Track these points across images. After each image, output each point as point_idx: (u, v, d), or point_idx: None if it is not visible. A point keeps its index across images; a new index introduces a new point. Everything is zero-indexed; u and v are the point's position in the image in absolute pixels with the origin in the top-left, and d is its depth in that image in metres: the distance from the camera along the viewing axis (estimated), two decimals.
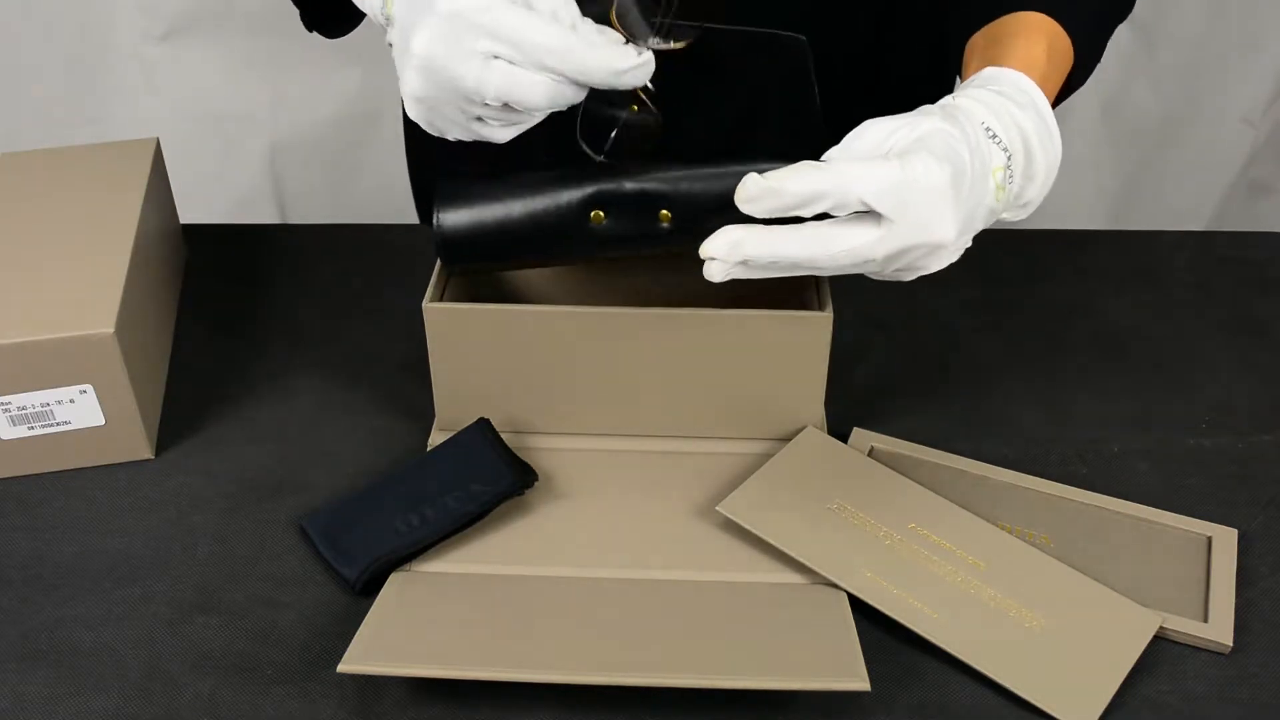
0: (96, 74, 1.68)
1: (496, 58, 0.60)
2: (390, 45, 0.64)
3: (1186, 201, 1.84)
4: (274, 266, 0.98)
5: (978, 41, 0.72)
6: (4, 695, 0.64)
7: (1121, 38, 1.69)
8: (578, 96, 0.63)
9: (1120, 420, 0.83)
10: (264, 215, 1.78)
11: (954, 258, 0.63)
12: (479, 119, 0.63)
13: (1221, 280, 0.97)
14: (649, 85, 0.65)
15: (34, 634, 0.67)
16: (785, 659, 0.63)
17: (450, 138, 0.64)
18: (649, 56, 0.63)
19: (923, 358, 0.89)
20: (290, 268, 0.98)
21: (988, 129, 0.63)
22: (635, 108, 0.71)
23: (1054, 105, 0.73)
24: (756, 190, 0.59)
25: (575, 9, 0.62)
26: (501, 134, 0.64)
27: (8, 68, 1.66)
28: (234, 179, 1.75)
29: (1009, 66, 0.67)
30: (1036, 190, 0.67)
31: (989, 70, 0.67)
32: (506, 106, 0.62)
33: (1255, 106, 1.74)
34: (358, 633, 0.64)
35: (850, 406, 0.82)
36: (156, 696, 0.64)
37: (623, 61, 0.61)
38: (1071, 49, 0.71)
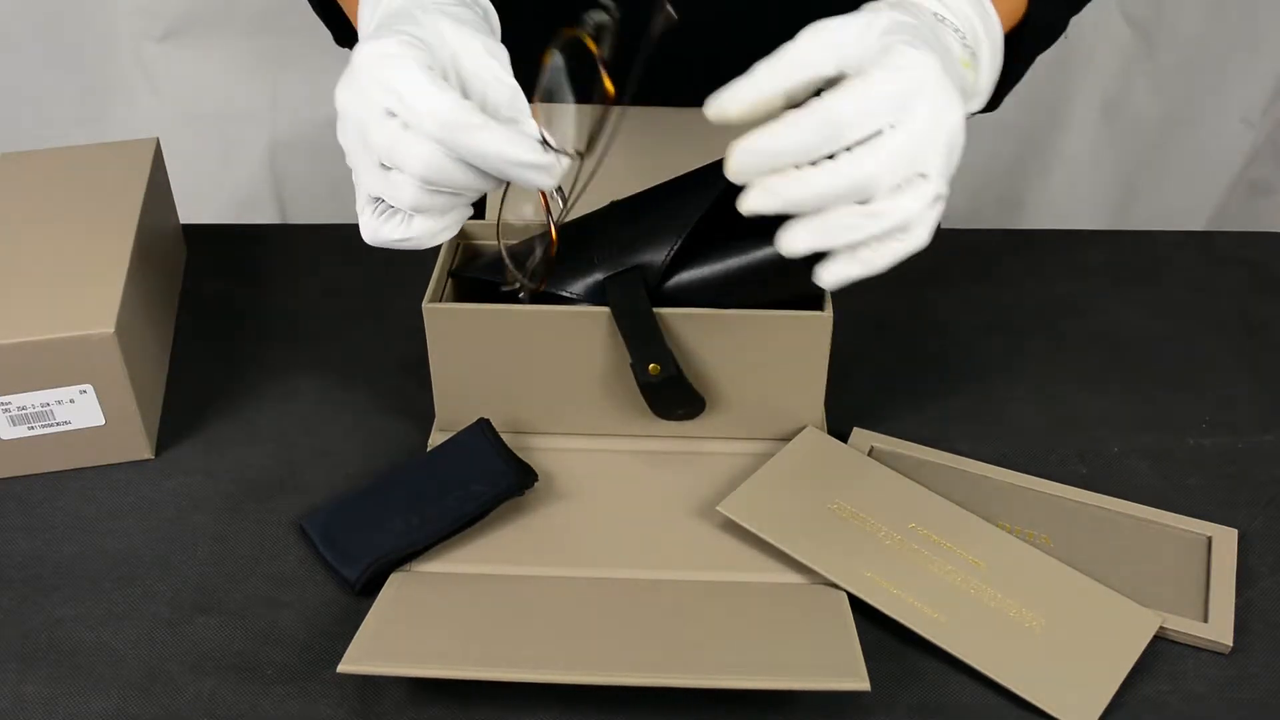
0: (96, 74, 1.68)
1: (392, 115, 0.58)
2: None
3: (1186, 201, 1.84)
4: (274, 266, 0.98)
5: None
6: (4, 695, 0.64)
7: (1122, 38, 1.69)
8: (470, 182, 0.59)
9: (1120, 420, 0.83)
10: (264, 215, 1.78)
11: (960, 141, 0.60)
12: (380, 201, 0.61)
13: (1221, 280, 0.97)
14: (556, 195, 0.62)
15: (34, 634, 0.67)
16: (785, 659, 0.63)
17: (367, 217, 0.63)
18: (559, 160, 0.60)
19: (923, 358, 0.89)
20: (290, 268, 0.98)
21: (936, 14, 0.63)
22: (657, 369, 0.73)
23: (1014, 71, 0.72)
24: (746, 158, 0.57)
25: (519, 95, 0.60)
26: (390, 230, 0.62)
27: (8, 68, 1.66)
28: (234, 179, 1.75)
29: None
30: (985, 78, 0.66)
31: None
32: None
33: (1255, 106, 1.74)
34: (358, 633, 0.64)
35: (850, 406, 0.82)
36: (156, 696, 0.64)
37: (523, 153, 0.58)
38: (1023, 6, 0.70)
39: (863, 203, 0.58)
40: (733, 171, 0.59)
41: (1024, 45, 0.72)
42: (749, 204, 0.59)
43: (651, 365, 0.73)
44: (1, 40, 1.63)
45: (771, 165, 0.58)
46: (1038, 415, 0.83)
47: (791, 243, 0.60)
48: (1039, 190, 1.83)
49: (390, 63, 0.58)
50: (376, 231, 0.62)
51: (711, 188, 0.72)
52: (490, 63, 0.61)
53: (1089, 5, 0.80)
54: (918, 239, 0.60)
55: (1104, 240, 1.02)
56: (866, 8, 0.63)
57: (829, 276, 0.61)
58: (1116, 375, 0.87)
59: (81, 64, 1.67)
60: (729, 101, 0.60)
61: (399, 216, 0.62)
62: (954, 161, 0.60)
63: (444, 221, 0.62)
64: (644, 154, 0.87)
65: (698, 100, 0.89)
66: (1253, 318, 0.93)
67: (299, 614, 0.69)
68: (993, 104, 0.75)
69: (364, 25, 0.68)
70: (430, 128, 0.57)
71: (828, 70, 0.59)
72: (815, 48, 0.59)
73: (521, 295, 0.73)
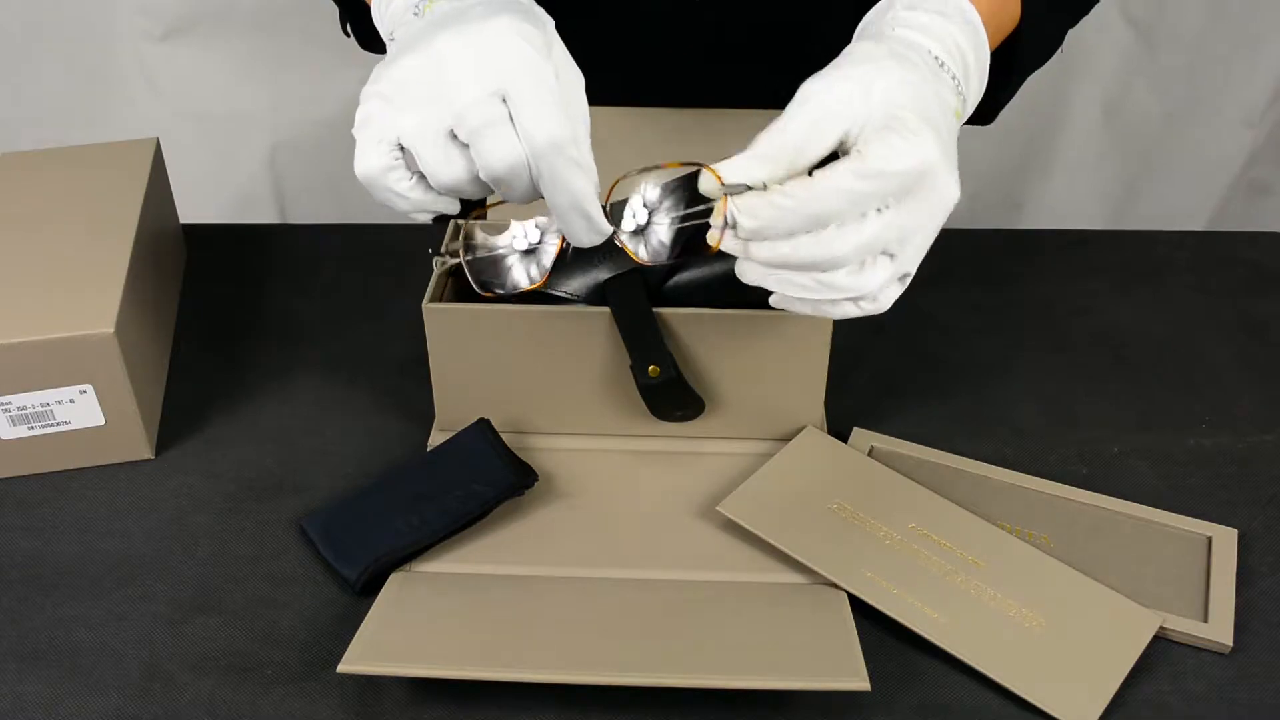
0: (96, 74, 1.68)
1: (502, 101, 0.57)
2: None
3: (1186, 201, 1.84)
4: (274, 266, 0.98)
5: None
6: (4, 695, 0.64)
7: (1122, 38, 1.69)
8: (524, 197, 0.60)
9: (1120, 420, 0.83)
10: (264, 215, 1.78)
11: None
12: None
13: (1221, 280, 0.97)
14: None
15: (34, 634, 0.67)
16: (785, 659, 0.63)
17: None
18: (608, 230, 0.61)
19: (923, 358, 0.89)
20: (290, 268, 0.98)
21: (936, 58, 0.61)
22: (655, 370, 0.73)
23: (1008, 87, 0.71)
24: (738, 246, 0.57)
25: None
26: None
27: (8, 68, 1.66)
28: (234, 179, 1.75)
29: None
30: (970, 108, 0.65)
31: None
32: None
33: (1255, 107, 1.74)
34: (358, 633, 0.64)
35: (850, 406, 0.82)
36: (156, 696, 0.64)
37: (594, 211, 0.59)
38: (1017, 18, 0.69)
39: (824, 272, 0.58)
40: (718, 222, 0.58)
41: (1020, 61, 0.72)
42: (721, 241, 0.58)
43: (651, 367, 0.73)
44: (2, 40, 1.63)
45: (757, 235, 0.58)
46: (1038, 415, 0.83)
47: (743, 273, 0.60)
48: (1039, 190, 1.83)
49: (527, 54, 0.57)
50: (377, 175, 0.61)
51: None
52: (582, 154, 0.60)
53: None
54: (875, 308, 0.59)
55: (1104, 240, 1.02)
56: (865, 45, 0.61)
57: (778, 302, 0.61)
58: (1116, 375, 0.87)
59: (81, 64, 1.67)
60: (729, 177, 0.58)
61: (412, 178, 0.61)
62: (930, 243, 0.60)
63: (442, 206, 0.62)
64: (644, 154, 0.87)
65: (697, 100, 0.90)
66: (1253, 318, 0.93)
67: (299, 614, 0.69)
68: (988, 119, 0.75)
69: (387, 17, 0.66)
70: (537, 137, 0.56)
71: (829, 146, 0.57)
72: (816, 127, 0.57)
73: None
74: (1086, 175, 1.82)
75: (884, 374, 0.87)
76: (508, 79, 0.57)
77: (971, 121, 0.76)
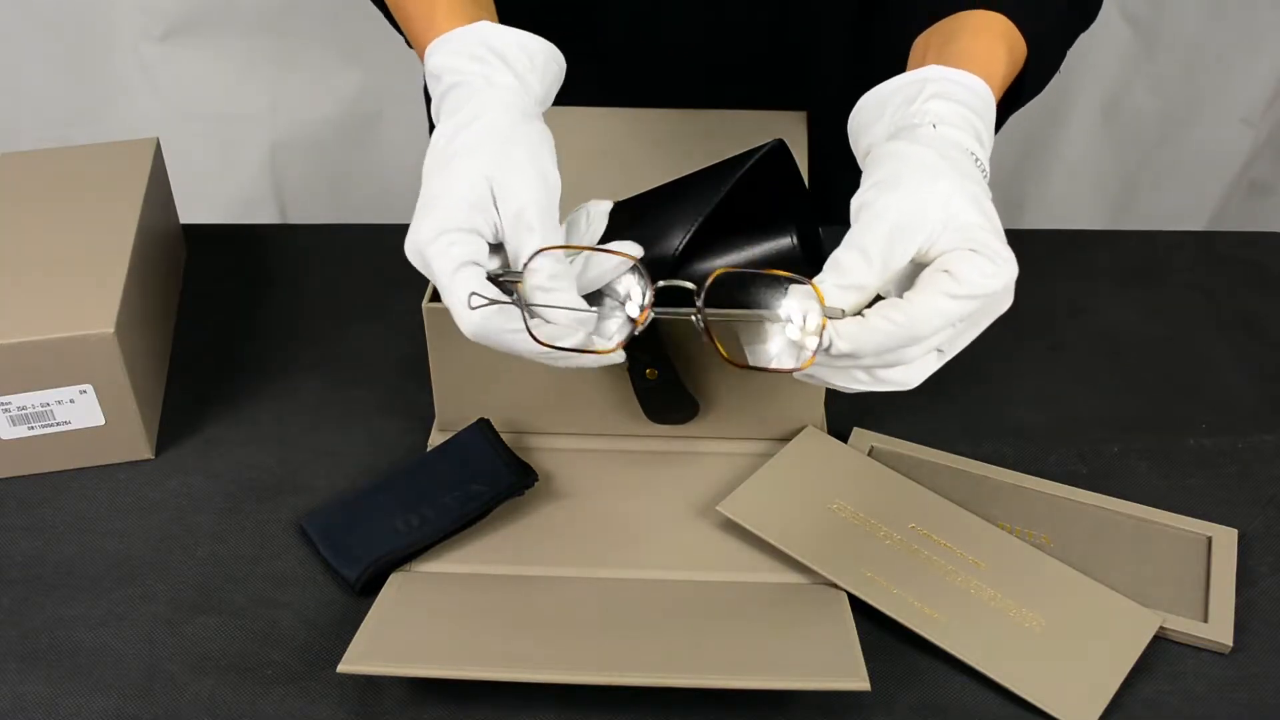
0: (96, 74, 1.68)
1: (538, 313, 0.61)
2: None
3: (1186, 201, 1.84)
4: (274, 266, 0.98)
5: (934, 35, 0.70)
6: (4, 695, 0.64)
7: (1122, 38, 1.69)
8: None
9: (1120, 420, 0.83)
10: (264, 215, 1.78)
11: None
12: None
13: (1221, 280, 0.97)
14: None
15: (34, 634, 0.67)
16: (785, 659, 0.63)
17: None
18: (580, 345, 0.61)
19: None
20: (290, 268, 0.98)
21: (973, 155, 0.63)
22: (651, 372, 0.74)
23: (1007, 108, 0.72)
24: (836, 357, 0.58)
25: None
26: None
27: (8, 68, 1.66)
28: (234, 179, 1.75)
29: (970, 70, 0.65)
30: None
31: (955, 74, 0.65)
32: None
33: (1255, 106, 1.74)
34: (358, 633, 0.64)
35: (850, 406, 0.82)
36: (156, 696, 0.64)
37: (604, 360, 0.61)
38: (1025, 52, 0.70)
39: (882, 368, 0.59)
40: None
41: (1023, 98, 0.73)
42: (811, 361, 0.59)
43: (649, 370, 0.73)
44: (1, 40, 1.63)
45: (848, 356, 0.58)
46: (1038, 415, 0.83)
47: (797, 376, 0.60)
48: (1039, 190, 1.83)
49: (430, 258, 0.61)
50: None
51: (714, 189, 0.72)
52: (531, 241, 0.61)
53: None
54: (906, 388, 0.61)
55: (1104, 240, 1.02)
56: (916, 149, 0.62)
57: (798, 377, 0.61)
58: (1116, 375, 0.87)
59: (81, 64, 1.67)
60: (841, 301, 0.59)
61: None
62: None
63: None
64: (644, 155, 0.87)
65: (697, 101, 0.90)
66: (1253, 318, 0.93)
67: (299, 614, 0.69)
68: None
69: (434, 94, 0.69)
70: (462, 330, 0.61)
71: (906, 263, 0.59)
72: (894, 249, 0.58)
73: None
74: (1086, 175, 1.82)
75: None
76: (443, 282, 0.61)
77: None
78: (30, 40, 1.64)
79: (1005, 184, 1.80)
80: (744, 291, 0.61)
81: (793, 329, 0.58)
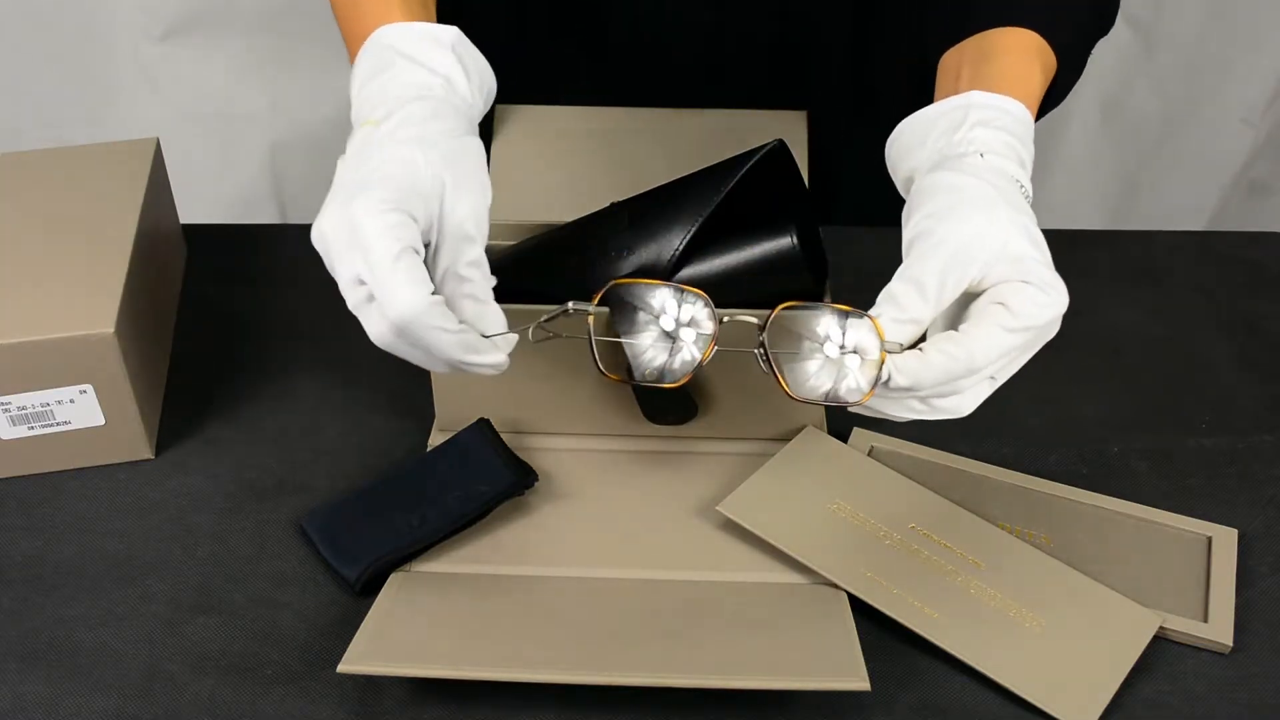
0: (96, 74, 1.67)
1: (362, 282, 0.59)
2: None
3: (1186, 201, 1.84)
4: (274, 266, 0.98)
5: (967, 53, 0.70)
6: (4, 695, 0.64)
7: (1121, 38, 1.69)
8: (420, 360, 0.60)
9: (1120, 420, 0.83)
10: (264, 215, 1.78)
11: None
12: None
13: (1221, 280, 0.97)
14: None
15: (34, 634, 0.67)
16: (785, 659, 0.63)
17: None
18: (506, 358, 0.61)
19: None
20: (290, 268, 0.97)
21: (1019, 184, 0.63)
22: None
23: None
24: (895, 392, 0.59)
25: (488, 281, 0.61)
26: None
27: (8, 68, 1.66)
28: (234, 179, 1.75)
29: (1010, 94, 0.66)
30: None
31: (998, 100, 0.65)
32: None
33: (1255, 106, 1.74)
34: (358, 633, 0.64)
35: None
36: (156, 696, 0.64)
37: (473, 356, 0.59)
38: (1055, 66, 0.71)
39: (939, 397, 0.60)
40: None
41: (1045, 107, 0.73)
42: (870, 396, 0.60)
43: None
44: (1, 40, 1.63)
45: (905, 390, 0.59)
46: (1038, 415, 0.83)
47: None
48: (1039, 190, 1.82)
49: (371, 235, 0.57)
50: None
51: (714, 189, 0.72)
52: (471, 251, 0.61)
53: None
54: (959, 415, 0.62)
55: (1104, 240, 1.02)
56: (965, 180, 0.62)
57: (851, 408, 0.61)
58: (1116, 375, 0.87)
59: (81, 64, 1.67)
60: (898, 336, 0.59)
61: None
62: None
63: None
64: (643, 155, 0.87)
65: (697, 101, 0.90)
66: (1253, 318, 0.93)
67: (299, 614, 0.69)
68: None
69: (354, 88, 0.67)
70: (391, 316, 0.57)
71: (959, 294, 0.60)
72: (946, 282, 0.59)
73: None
74: (1086, 175, 1.82)
75: None
76: (356, 261, 0.58)
77: None
78: (30, 40, 1.64)
79: None
80: (799, 321, 0.61)
81: (852, 361, 0.59)
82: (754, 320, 0.61)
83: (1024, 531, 0.73)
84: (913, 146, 0.66)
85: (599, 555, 0.71)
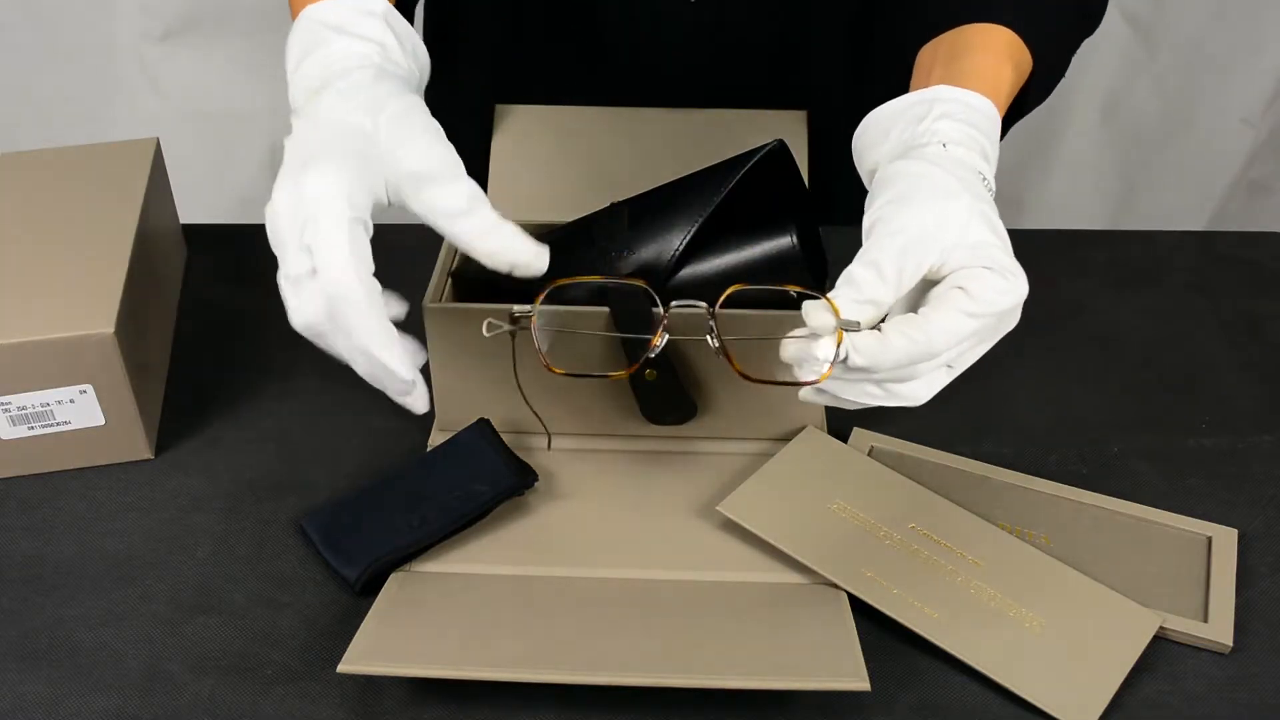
0: (96, 74, 1.68)
1: (308, 251, 0.59)
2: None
3: (1186, 201, 1.84)
4: (274, 266, 0.97)
5: (940, 49, 0.70)
6: (4, 695, 0.64)
7: (1121, 38, 1.69)
8: (339, 350, 0.59)
9: (1120, 420, 0.83)
10: (264, 215, 1.78)
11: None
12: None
13: (1221, 280, 0.97)
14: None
15: (34, 634, 0.67)
16: (785, 659, 0.63)
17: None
18: (419, 388, 0.60)
19: None
20: None
21: (981, 175, 0.63)
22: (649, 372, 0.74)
23: (1011, 118, 0.73)
24: (853, 374, 0.58)
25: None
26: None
27: (8, 68, 1.66)
28: (234, 179, 1.75)
29: (977, 89, 0.66)
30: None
31: (963, 95, 0.65)
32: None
33: (1255, 106, 1.74)
34: (358, 633, 0.64)
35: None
36: (156, 696, 0.64)
37: (388, 358, 0.59)
38: (1030, 65, 0.71)
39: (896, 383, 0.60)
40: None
41: (1026, 105, 0.73)
42: (827, 375, 0.59)
43: (647, 371, 0.73)
44: (2, 40, 1.63)
45: (862, 371, 0.59)
46: (1038, 415, 0.83)
47: (807, 396, 0.61)
48: (1039, 190, 1.83)
49: (320, 203, 0.58)
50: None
51: (714, 190, 0.72)
52: (445, 189, 0.61)
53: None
54: (916, 403, 0.61)
55: (1104, 240, 1.02)
56: (923, 167, 0.62)
57: (809, 397, 0.61)
58: (1116, 375, 0.87)
59: (81, 64, 1.67)
60: (855, 316, 0.59)
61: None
62: None
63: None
64: (643, 155, 0.87)
65: (696, 101, 0.90)
66: (1253, 318, 0.93)
67: (299, 614, 0.69)
68: None
69: (292, 61, 0.68)
70: (328, 286, 0.58)
71: (919, 279, 0.59)
72: (906, 266, 0.58)
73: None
74: (1086, 174, 1.82)
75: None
76: (310, 233, 0.58)
77: None
78: (30, 40, 1.64)
79: (1005, 184, 1.79)
80: (756, 305, 0.61)
81: (808, 343, 0.58)
82: (702, 307, 0.61)
83: (1024, 531, 0.73)
84: (877, 139, 0.66)
85: (599, 555, 0.71)
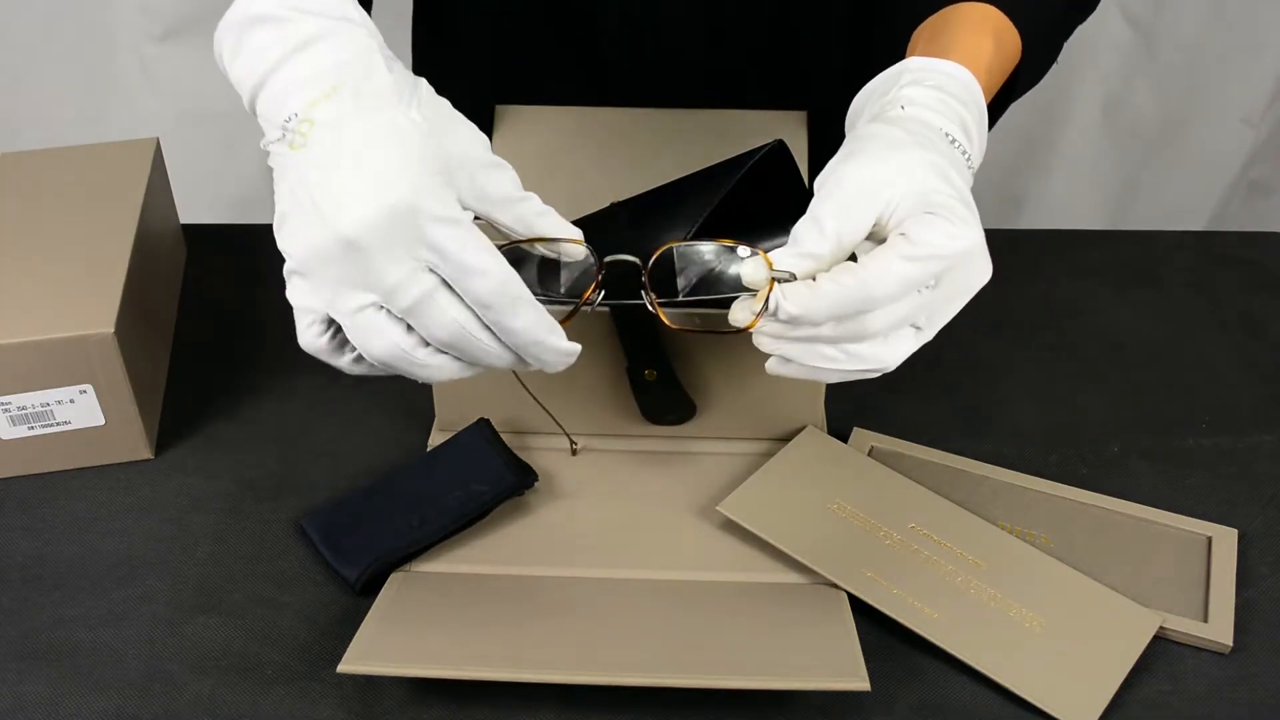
0: (96, 74, 1.67)
1: (432, 270, 0.54)
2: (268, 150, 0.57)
3: (1186, 201, 1.84)
4: (274, 266, 0.97)
5: (924, 31, 0.69)
6: (4, 695, 0.64)
7: (1121, 38, 1.69)
8: (488, 357, 0.56)
9: (1120, 420, 0.83)
10: (264, 215, 1.76)
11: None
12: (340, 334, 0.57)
13: (1221, 280, 0.97)
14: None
15: (34, 634, 0.67)
16: (785, 659, 0.63)
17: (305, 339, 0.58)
18: (577, 347, 0.57)
19: (923, 358, 0.88)
20: None
21: (947, 135, 0.62)
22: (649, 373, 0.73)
23: (1003, 101, 0.71)
24: (777, 329, 0.57)
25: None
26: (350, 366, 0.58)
27: (8, 68, 1.66)
28: (234, 179, 1.75)
29: (954, 59, 0.64)
30: (977, 165, 0.65)
31: (934, 63, 0.64)
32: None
33: (1255, 106, 1.74)
34: (358, 633, 0.64)
35: (850, 406, 0.82)
36: (156, 696, 0.64)
37: (557, 341, 0.56)
38: (1020, 44, 0.69)
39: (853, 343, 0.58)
40: (762, 328, 0.58)
41: (1018, 90, 0.72)
42: (756, 323, 0.58)
43: (647, 371, 0.73)
44: (2, 40, 1.63)
45: (797, 320, 0.57)
46: (1038, 415, 0.83)
47: (760, 342, 0.59)
48: (1039, 190, 1.83)
49: (433, 213, 0.53)
50: (323, 354, 0.58)
51: (714, 190, 0.72)
52: (503, 173, 0.57)
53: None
54: (884, 370, 0.60)
55: (1104, 240, 1.02)
56: (878, 128, 0.61)
57: (775, 368, 0.59)
58: (1116, 375, 0.87)
59: (81, 64, 1.67)
60: (792, 268, 0.57)
61: (355, 353, 0.58)
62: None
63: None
64: (643, 155, 0.87)
65: (696, 102, 0.90)
66: (1253, 318, 0.93)
67: (299, 614, 0.69)
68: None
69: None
70: (483, 290, 0.53)
71: (864, 232, 0.57)
72: (849, 216, 0.56)
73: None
74: (1086, 174, 1.82)
75: (884, 374, 0.86)
76: (432, 247, 0.53)
77: None
78: (30, 40, 1.64)
79: (1005, 184, 1.80)
80: (697, 263, 0.60)
81: (750, 299, 0.57)
82: (635, 259, 0.59)
83: (1024, 531, 0.73)
84: (854, 117, 0.66)
85: (599, 555, 0.71)
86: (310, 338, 0.58)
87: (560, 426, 0.76)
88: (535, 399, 0.74)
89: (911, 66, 0.64)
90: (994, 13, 0.68)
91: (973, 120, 0.63)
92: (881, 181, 0.57)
